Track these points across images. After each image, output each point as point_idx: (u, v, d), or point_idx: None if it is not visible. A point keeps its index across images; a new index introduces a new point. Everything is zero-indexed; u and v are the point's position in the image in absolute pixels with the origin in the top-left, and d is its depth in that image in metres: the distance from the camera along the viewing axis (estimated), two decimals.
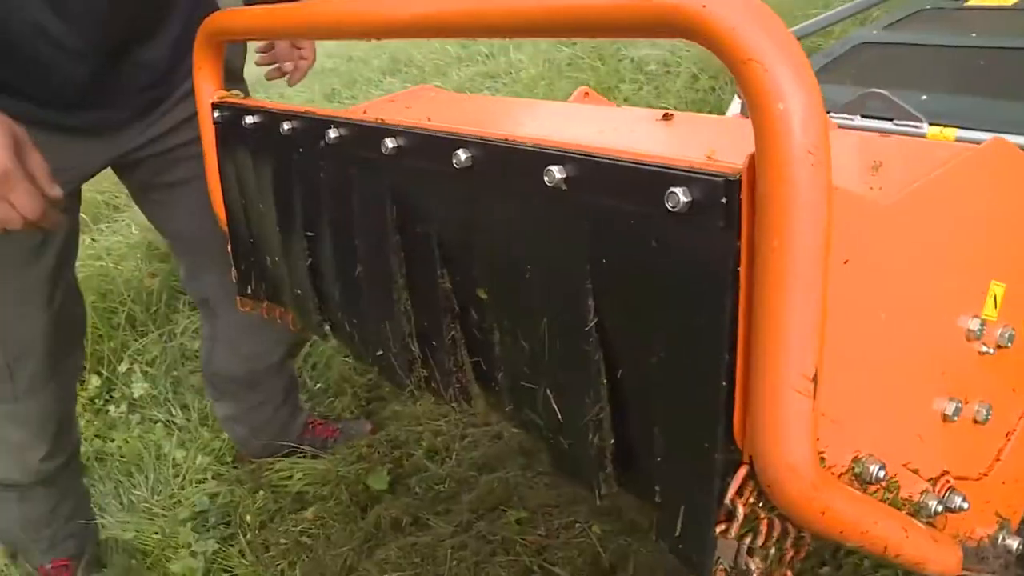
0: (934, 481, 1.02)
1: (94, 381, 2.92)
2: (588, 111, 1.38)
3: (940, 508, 0.99)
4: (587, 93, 1.62)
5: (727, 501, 0.75)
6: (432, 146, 0.98)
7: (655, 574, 1.81)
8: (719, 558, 0.77)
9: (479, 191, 0.94)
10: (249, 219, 1.51)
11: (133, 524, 2.18)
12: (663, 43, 4.75)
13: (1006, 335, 1.05)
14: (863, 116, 1.82)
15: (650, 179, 0.72)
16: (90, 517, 2.14)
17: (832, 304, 0.79)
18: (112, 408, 2.83)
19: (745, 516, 0.75)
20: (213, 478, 2.27)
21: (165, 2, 1.72)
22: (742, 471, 0.74)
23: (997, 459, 1.13)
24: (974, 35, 1.98)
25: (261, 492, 2.17)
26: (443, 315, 1.08)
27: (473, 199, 0.95)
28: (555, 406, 0.92)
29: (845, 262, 0.78)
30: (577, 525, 1.98)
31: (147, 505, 2.30)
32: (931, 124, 1.75)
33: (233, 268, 1.61)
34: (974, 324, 0.99)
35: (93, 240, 3.53)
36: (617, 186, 0.76)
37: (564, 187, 0.81)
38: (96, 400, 2.90)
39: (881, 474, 0.87)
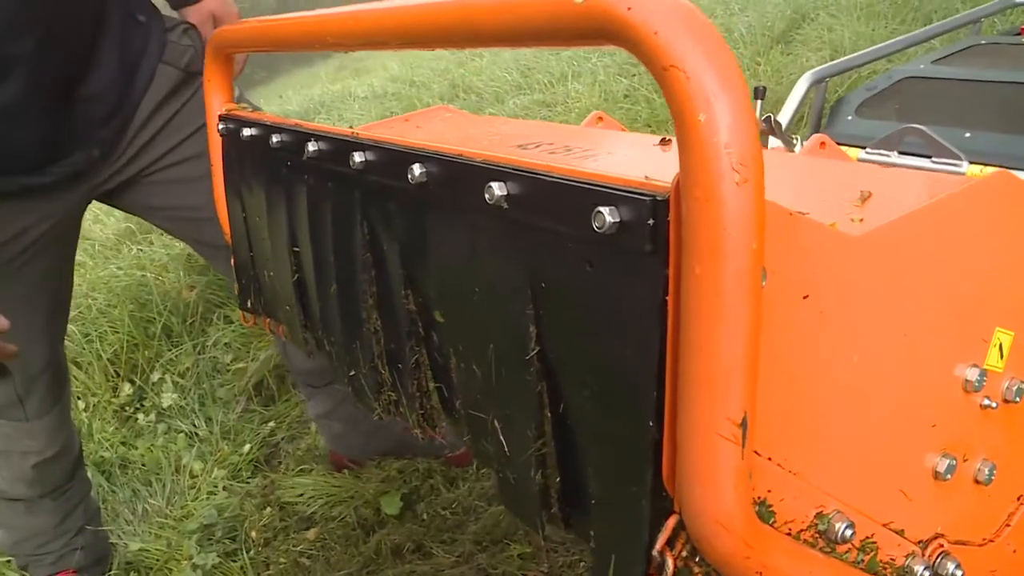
0: (924, 544, 0.93)
1: (126, 389, 2.95)
2: (586, 134, 1.32)
3: (928, 574, 0.90)
4: (601, 118, 1.57)
5: (655, 553, 0.68)
6: (392, 161, 0.94)
7: None
8: None
9: (433, 208, 0.89)
10: (248, 233, 1.49)
11: (141, 534, 2.17)
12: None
13: (1014, 388, 0.96)
14: (900, 153, 1.73)
15: (580, 198, 0.66)
16: (101, 531, 2.14)
17: (788, 343, 0.72)
18: (141, 416, 2.85)
19: (675, 570, 0.68)
20: (224, 489, 2.25)
21: (92, 32, 1.65)
22: (671, 521, 0.67)
23: (1007, 524, 1.03)
24: None
25: (269, 509, 2.14)
26: (408, 338, 1.03)
27: (427, 216, 0.90)
28: (502, 438, 0.86)
29: (805, 297, 0.72)
30: (581, 564, 1.91)
31: (159, 516, 2.29)
32: (972, 163, 1.66)
33: (235, 282, 1.60)
34: (972, 374, 0.91)
35: (140, 250, 3.59)
36: (552, 205, 0.71)
37: (505, 205, 0.76)
38: (127, 408, 2.93)
39: (848, 533, 0.79)
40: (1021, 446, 1.02)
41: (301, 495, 2.19)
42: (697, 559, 0.70)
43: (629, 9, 0.58)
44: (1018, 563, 1.05)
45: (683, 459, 0.63)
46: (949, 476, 0.91)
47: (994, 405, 0.94)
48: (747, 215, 0.56)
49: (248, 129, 1.35)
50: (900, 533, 0.89)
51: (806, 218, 0.70)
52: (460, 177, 0.82)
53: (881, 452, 0.85)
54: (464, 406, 0.96)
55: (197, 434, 2.66)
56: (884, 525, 0.87)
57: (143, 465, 2.59)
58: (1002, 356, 0.95)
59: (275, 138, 1.23)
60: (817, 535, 0.79)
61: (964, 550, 0.98)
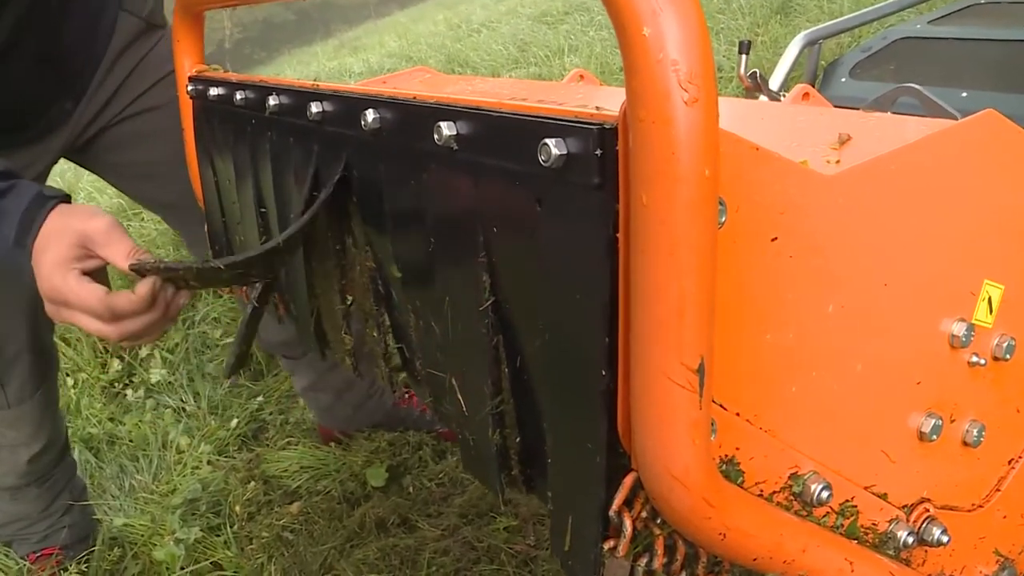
0: (909, 508, 0.88)
1: (115, 365, 2.92)
2: (564, 88, 1.27)
3: (912, 540, 0.86)
4: (582, 76, 1.52)
5: (611, 513, 0.63)
6: (346, 108, 0.89)
7: None
8: None
9: (386, 156, 0.84)
10: (220, 196, 1.44)
11: (126, 509, 2.14)
12: (720, 48, 4.60)
13: (1004, 345, 0.91)
14: (894, 114, 1.67)
15: (525, 131, 0.62)
16: (87, 509, 2.11)
17: (756, 289, 0.67)
18: (130, 392, 2.82)
19: (634, 532, 0.64)
20: (209, 464, 2.21)
21: None
22: (629, 479, 0.63)
23: (997, 489, 0.99)
24: None
25: (253, 483, 2.11)
26: (368, 297, 0.99)
27: (381, 165, 0.86)
28: (459, 396, 0.82)
29: (773, 239, 0.67)
30: None
31: (145, 491, 2.26)
32: None
33: (208, 247, 1.55)
34: (959, 329, 0.85)
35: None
36: (499, 142, 0.66)
37: (454, 145, 0.71)
38: (116, 384, 2.89)
39: (825, 495, 0.74)
40: (1012, 407, 0.97)
41: (286, 469, 2.16)
42: (658, 521, 0.66)
43: None
44: (1008, 529, 1.00)
45: (637, 409, 0.58)
46: (935, 437, 0.86)
47: (983, 362, 0.89)
48: (698, 137, 0.51)
49: (215, 89, 1.30)
50: (883, 497, 0.84)
51: (775, 154, 0.65)
52: (411, 120, 0.77)
53: (861, 410, 0.80)
54: (424, 366, 0.92)
55: (185, 409, 2.62)
56: (865, 488, 0.82)
57: (131, 441, 2.56)
58: (991, 311, 0.90)
59: (239, 95, 1.19)
60: (792, 497, 0.74)
61: (952, 515, 0.93)
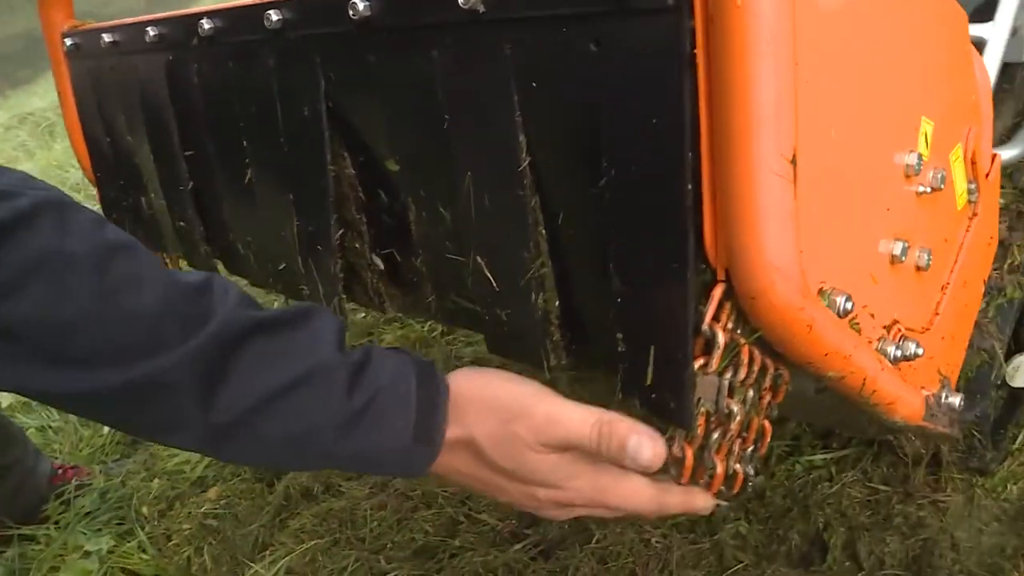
0: (887, 328, 0.97)
1: None
2: None
3: (899, 354, 0.94)
4: None
5: (705, 328, 0.67)
6: (323, 5, 0.86)
7: None
8: (700, 400, 0.69)
9: (382, 43, 0.83)
10: (118, 159, 1.35)
11: (17, 539, 1.95)
12: None
13: (939, 176, 1.01)
14: None
15: None
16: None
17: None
18: None
19: (726, 344, 0.67)
20: (100, 473, 2.06)
21: None
22: (718, 290, 0.66)
23: (936, 313, 1.10)
24: None
25: (156, 481, 1.99)
26: (345, 206, 0.96)
27: (375, 54, 0.84)
28: (488, 274, 0.82)
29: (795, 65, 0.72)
30: None
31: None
32: None
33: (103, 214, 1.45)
34: (912, 159, 0.95)
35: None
36: None
37: (481, 8, 0.71)
38: None
39: (849, 306, 0.80)
40: (943, 235, 1.08)
41: (187, 460, 2.05)
42: (740, 331, 0.70)
43: None
44: (947, 350, 1.12)
45: (735, 210, 0.61)
46: (904, 259, 0.95)
47: (927, 191, 0.99)
48: None
49: (109, 35, 1.21)
50: (872, 317, 0.92)
51: None
52: None
53: (855, 233, 0.87)
54: (430, 261, 0.91)
55: (51, 427, 2.42)
56: (863, 307, 0.90)
57: None
58: (927, 145, 1.00)
59: (152, 31, 1.11)
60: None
61: (911, 335, 1.03)
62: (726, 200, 0.62)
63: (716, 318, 0.67)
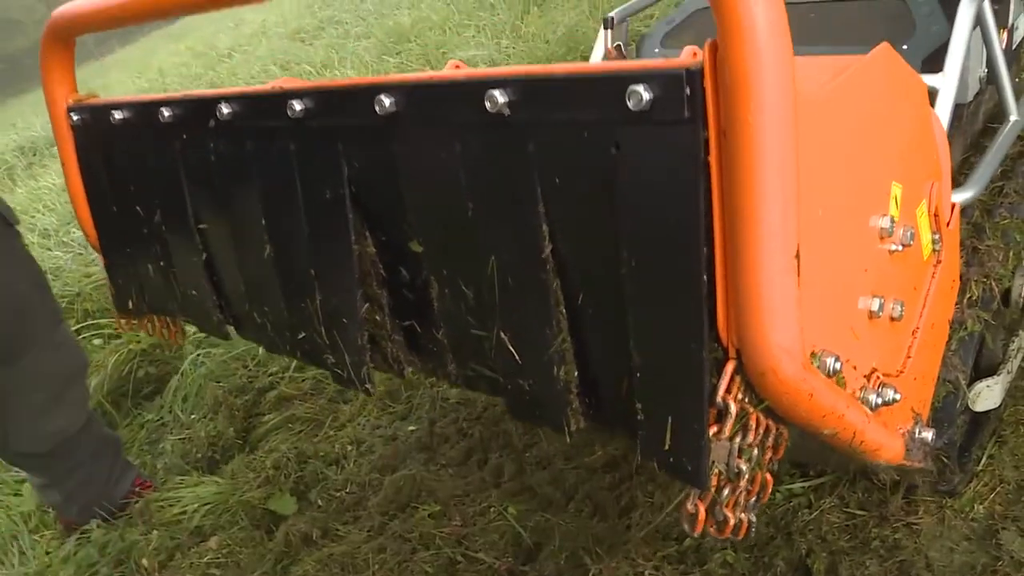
0: (867, 377, 1.06)
1: None
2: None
3: (879, 401, 1.03)
4: (457, 66, 1.61)
5: (718, 400, 0.75)
6: (349, 99, 0.93)
7: (578, 544, 1.80)
8: (714, 462, 0.77)
9: (407, 136, 0.90)
10: (124, 226, 1.40)
11: None
12: (488, 43, 4.81)
13: (908, 234, 1.11)
14: None
15: (607, 84, 0.71)
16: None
17: None
18: None
19: (737, 413, 0.75)
20: (99, 526, 2.08)
21: None
22: (730, 366, 0.74)
23: (908, 356, 1.19)
24: None
25: (155, 532, 2.02)
26: (364, 284, 1.03)
27: (400, 147, 0.91)
28: (511, 348, 0.89)
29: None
30: (492, 510, 1.95)
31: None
32: None
33: (109, 285, 1.50)
34: (885, 222, 1.04)
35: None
36: (569, 99, 0.75)
37: (507, 112, 0.79)
38: None
39: (837, 366, 0.89)
40: (912, 285, 1.18)
41: (184, 510, 2.08)
42: (748, 399, 0.77)
43: None
44: (919, 389, 1.21)
45: (745, 300, 0.69)
46: (881, 314, 1.04)
47: (899, 249, 1.08)
48: (788, 67, 0.63)
49: (120, 112, 1.27)
50: (855, 369, 1.01)
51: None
52: (446, 96, 0.84)
53: (838, 296, 0.96)
54: (451, 333, 0.98)
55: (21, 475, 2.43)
56: (846, 361, 0.99)
57: None
58: (897, 206, 1.10)
59: (166, 112, 1.17)
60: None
61: (888, 380, 1.12)
62: (737, 290, 0.69)
63: (728, 390, 0.75)
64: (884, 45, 1.03)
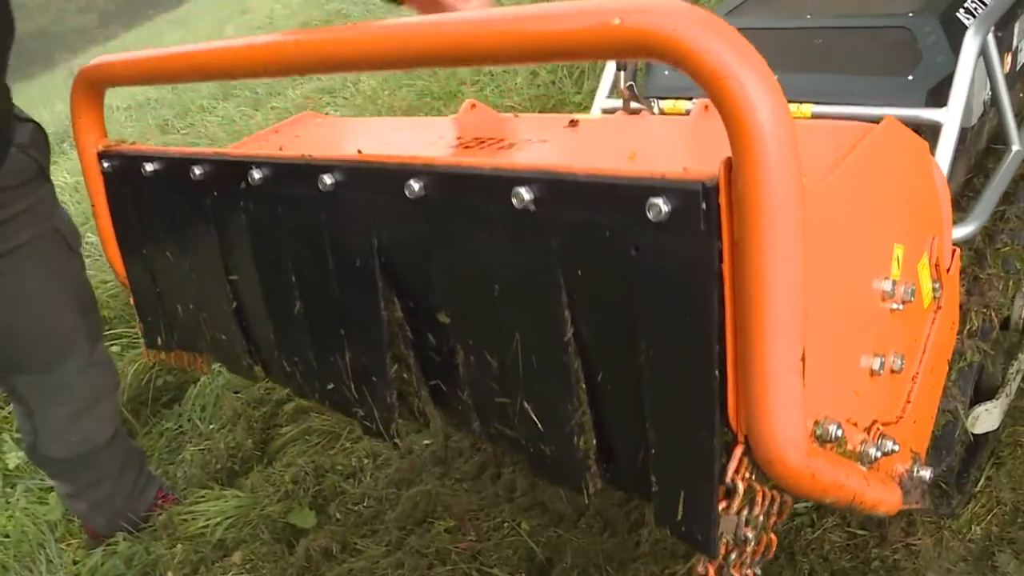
0: (867, 430, 1.12)
1: None
2: (503, 123, 1.40)
3: (879, 454, 1.09)
4: (473, 105, 1.65)
5: (728, 480, 0.80)
6: (378, 179, 0.99)
7: (590, 560, 1.87)
8: (722, 533, 0.83)
9: (436, 219, 0.95)
10: (154, 269, 1.46)
11: None
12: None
13: (909, 291, 1.16)
14: None
15: (628, 192, 0.76)
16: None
17: None
18: None
19: (745, 491, 0.81)
20: (124, 539, 2.16)
21: None
22: (738, 450, 0.80)
23: (908, 402, 1.25)
24: (809, 16, 2.14)
25: (180, 545, 2.09)
26: (392, 345, 1.08)
27: (429, 227, 0.96)
28: (534, 416, 0.95)
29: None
30: (506, 525, 2.02)
31: None
32: (788, 102, 1.89)
33: (137, 321, 1.56)
34: (887, 285, 1.10)
35: None
36: (591, 201, 0.80)
37: (532, 208, 0.84)
38: None
39: (839, 433, 0.95)
40: (912, 335, 1.23)
41: (207, 524, 2.15)
42: (755, 477, 0.83)
43: (674, 30, 0.68)
44: (917, 432, 1.27)
45: (753, 397, 0.75)
46: (881, 372, 1.10)
47: (900, 307, 1.14)
48: (797, 190, 0.69)
49: (151, 164, 1.32)
50: (855, 425, 1.07)
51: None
52: (475, 187, 0.89)
53: (841, 362, 1.01)
54: (476, 396, 1.03)
55: None
56: (847, 421, 1.04)
57: (6, 536, 2.42)
58: (899, 266, 1.15)
59: (197, 170, 1.23)
60: (815, 439, 0.95)
61: (888, 429, 1.18)
62: (747, 385, 0.75)
63: (737, 471, 0.81)
64: (889, 119, 1.08)
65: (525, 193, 0.83)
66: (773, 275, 0.71)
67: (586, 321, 0.87)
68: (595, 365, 0.89)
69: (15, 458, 2.65)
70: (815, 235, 0.90)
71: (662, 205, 0.74)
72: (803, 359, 0.74)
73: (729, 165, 0.71)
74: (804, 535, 1.80)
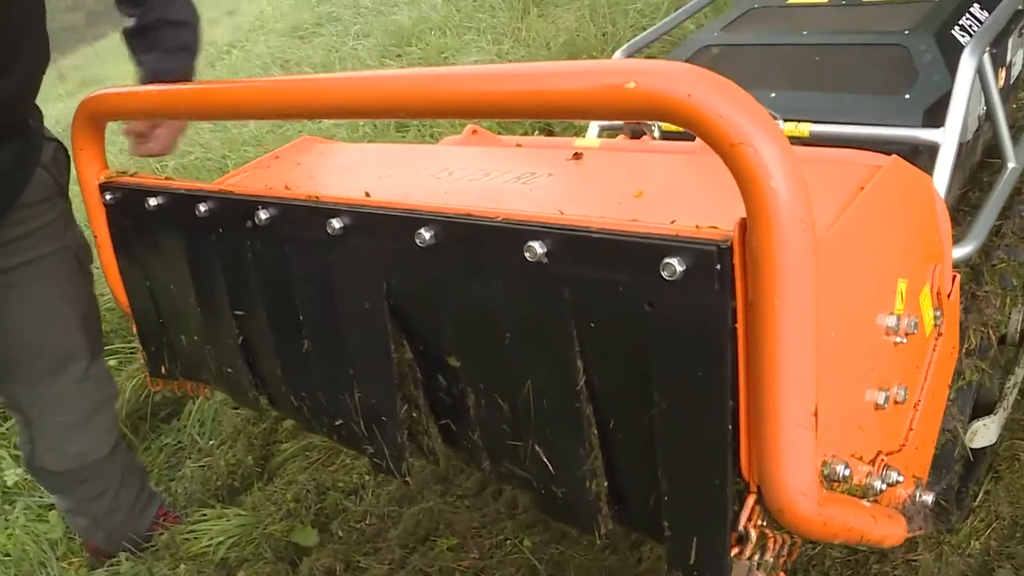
0: (872, 462, 1.13)
1: None
2: (505, 157, 1.40)
3: (884, 486, 1.10)
4: (475, 131, 1.66)
5: (740, 527, 0.82)
6: (388, 225, 0.99)
7: None
8: None
9: (446, 267, 0.96)
10: (157, 300, 1.46)
11: None
12: (489, 48, 4.83)
13: (912, 323, 1.17)
14: None
15: (643, 250, 0.77)
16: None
17: None
18: None
19: (757, 538, 0.82)
20: (127, 559, 2.16)
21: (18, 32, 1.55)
22: (751, 499, 0.81)
23: (911, 429, 1.26)
24: (805, 32, 2.15)
25: (183, 565, 2.09)
26: (402, 385, 1.09)
27: (439, 275, 0.97)
28: (545, 460, 0.96)
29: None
30: (508, 542, 2.03)
31: None
32: (786, 120, 1.90)
33: (141, 351, 1.56)
34: (891, 321, 1.11)
35: None
36: (604, 257, 0.81)
37: (545, 260, 0.85)
38: None
39: (847, 472, 0.96)
40: (915, 365, 1.24)
41: (209, 544, 2.15)
42: (766, 524, 0.85)
43: (689, 96, 0.69)
44: (919, 457, 1.29)
45: (766, 450, 0.76)
46: (886, 405, 1.11)
47: (904, 340, 1.15)
48: (810, 253, 0.70)
49: (155, 199, 1.32)
50: (860, 459, 1.08)
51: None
52: (486, 239, 0.90)
53: (847, 400, 1.03)
54: (486, 437, 1.04)
55: None
56: (852, 456, 1.06)
57: (6, 555, 2.42)
58: (903, 300, 1.16)
59: (202, 207, 1.23)
60: (823, 479, 0.96)
61: (892, 458, 1.19)
62: (759, 439, 0.76)
63: (749, 519, 0.82)
64: (894, 159, 1.09)
65: (538, 247, 0.84)
66: (786, 334, 0.72)
67: (598, 371, 0.88)
68: (607, 413, 0.90)
69: (14, 475, 2.64)
70: (823, 280, 0.91)
71: (676, 265, 0.75)
72: (815, 414, 0.75)
73: (743, 225, 0.72)
74: (805, 551, 1.81)
